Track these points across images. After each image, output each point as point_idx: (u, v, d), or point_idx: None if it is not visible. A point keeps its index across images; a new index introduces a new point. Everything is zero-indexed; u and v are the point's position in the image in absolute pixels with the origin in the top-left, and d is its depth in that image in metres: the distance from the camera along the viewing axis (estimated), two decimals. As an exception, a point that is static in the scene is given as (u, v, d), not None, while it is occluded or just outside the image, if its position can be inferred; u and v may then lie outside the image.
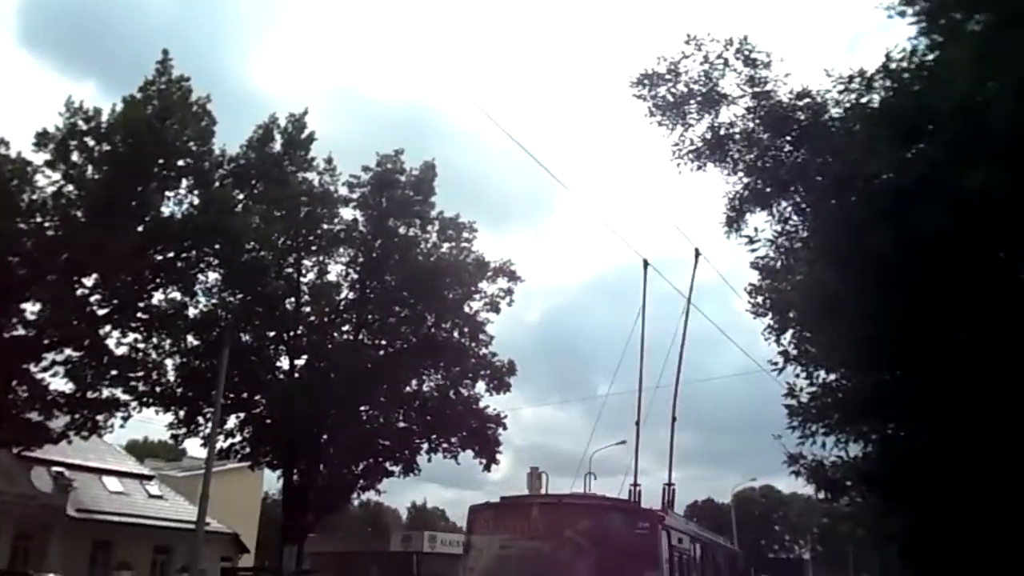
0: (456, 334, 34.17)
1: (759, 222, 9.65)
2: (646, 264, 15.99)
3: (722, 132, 9.26)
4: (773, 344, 13.46)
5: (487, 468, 34.80)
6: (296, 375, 32.16)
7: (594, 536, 12.01)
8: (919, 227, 6.18)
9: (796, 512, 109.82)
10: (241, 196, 28.40)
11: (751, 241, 9.17)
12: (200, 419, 31.16)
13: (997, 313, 6.31)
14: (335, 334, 33.73)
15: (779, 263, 12.81)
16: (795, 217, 8.59)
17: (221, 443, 32.31)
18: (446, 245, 33.98)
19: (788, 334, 13.42)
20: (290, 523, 33.07)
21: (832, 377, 9.34)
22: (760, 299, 14.23)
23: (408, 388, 34.32)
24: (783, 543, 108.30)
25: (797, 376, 11.73)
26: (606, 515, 12.75)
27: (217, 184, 27.65)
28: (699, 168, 9.14)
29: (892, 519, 8.12)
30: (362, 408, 33.06)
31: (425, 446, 35.32)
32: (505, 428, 35.04)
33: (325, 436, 34.02)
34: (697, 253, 16.99)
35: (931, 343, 6.24)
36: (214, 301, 31.04)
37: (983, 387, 6.12)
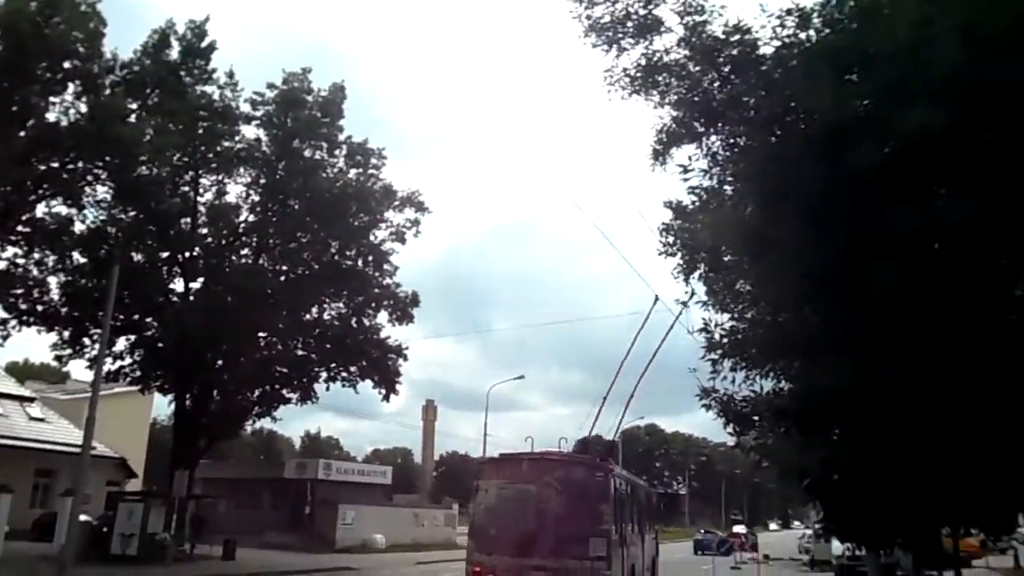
0: (360, 262, 33.62)
1: (684, 158, 9.70)
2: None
3: (655, 61, 9.18)
4: (681, 283, 13.76)
5: (386, 398, 34.91)
6: (191, 298, 30.95)
7: (566, 481, 16.53)
8: (853, 166, 6.31)
9: (677, 451, 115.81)
10: (134, 106, 26.75)
11: (685, 170, 9.23)
12: (87, 340, 29.76)
13: (925, 256, 6.59)
14: (233, 257, 32.58)
15: (693, 203, 13.03)
16: (723, 152, 8.68)
17: (109, 366, 31.04)
18: (353, 171, 33.10)
19: (697, 273, 13.75)
20: (181, 448, 32.27)
21: (749, 315, 9.60)
22: (671, 238, 14.48)
23: (309, 315, 33.69)
24: (663, 478, 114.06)
25: (706, 310, 12.06)
26: (574, 467, 17.35)
27: (108, 91, 25.89)
28: (631, 95, 9.05)
29: (802, 454, 8.54)
30: (260, 334, 32.27)
31: (324, 374, 35.07)
32: (406, 359, 35.03)
33: (220, 361, 33.14)
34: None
35: (857, 283, 6.45)
36: (103, 217, 29.45)
37: (906, 328, 6.40)
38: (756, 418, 11.59)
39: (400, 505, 55.63)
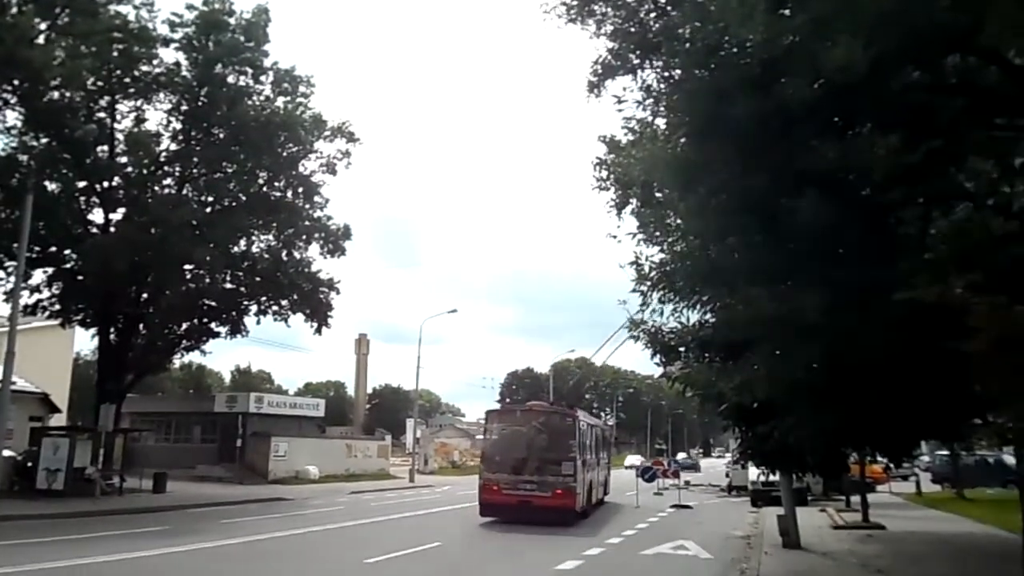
0: (290, 194, 32.93)
1: (619, 90, 9.71)
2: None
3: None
4: (614, 217, 13.92)
5: (318, 332, 34.69)
6: (112, 229, 29.82)
7: (546, 424, 23.60)
8: (783, 101, 6.45)
9: (606, 383, 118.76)
10: (43, 26, 25.15)
11: (619, 101, 9.25)
12: (1, 273, 28.49)
13: (846, 192, 6.82)
14: (155, 188, 31.45)
15: (626, 137, 13.10)
16: (658, 85, 8.72)
17: (26, 299, 29.94)
18: (280, 99, 32.06)
19: (629, 208, 13.93)
20: (107, 382, 31.58)
21: (678, 248, 9.81)
22: (604, 173, 14.57)
23: (237, 248, 32.89)
24: (592, 410, 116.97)
25: (638, 245, 12.28)
26: (551, 414, 24.80)
27: (14, 11, 24.21)
28: (567, 23, 8.94)
29: (722, 381, 8.90)
30: (186, 267, 31.39)
31: (254, 308, 34.59)
32: (338, 292, 34.81)
33: (145, 295, 32.32)
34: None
35: (779, 216, 6.66)
36: (14, 144, 27.85)
37: (823, 262, 6.65)
38: (682, 349, 12.02)
39: (333, 437, 55.88)
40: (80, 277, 30.13)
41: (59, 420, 36.78)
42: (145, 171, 30.78)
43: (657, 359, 12.34)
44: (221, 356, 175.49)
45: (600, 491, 28.92)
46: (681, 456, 73.12)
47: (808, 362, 6.77)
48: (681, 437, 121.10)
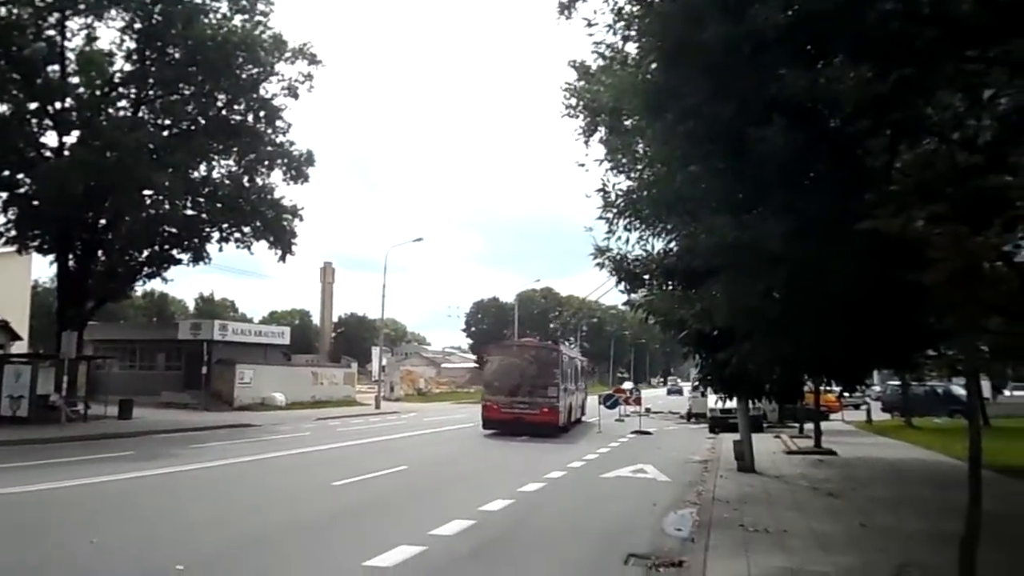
0: (251, 118, 32.08)
1: (589, 12, 9.51)
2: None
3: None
4: (582, 145, 13.82)
5: (282, 259, 34.34)
6: (66, 153, 28.87)
7: (535, 356, 29.34)
8: (755, 26, 6.34)
9: (570, 312, 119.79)
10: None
11: (590, 24, 9.05)
12: (-47, 198, 27.61)
13: (813, 121, 6.79)
14: (110, 110, 30.34)
15: (597, 63, 12.89)
16: (629, 7, 8.54)
17: (-20, 225, 29.18)
18: (238, 18, 30.81)
19: (597, 136, 13.82)
20: (67, 309, 31.09)
21: (645, 175, 9.76)
22: (574, 100, 14.38)
23: (197, 173, 32.17)
24: (556, 339, 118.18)
25: (605, 174, 12.24)
26: (540, 348, 31.46)
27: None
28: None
29: (683, 308, 8.99)
30: (146, 192, 30.63)
31: (216, 235, 34.05)
32: (302, 220, 34.37)
33: (104, 221, 31.61)
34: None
35: (745, 143, 6.62)
36: (-41, 63, 26.59)
37: (786, 189, 6.66)
38: (646, 277, 12.10)
39: (299, 365, 55.98)
40: (35, 202, 29.29)
41: (21, 348, 36.26)
42: (98, 92, 29.74)
43: (622, 287, 12.44)
44: (184, 284, 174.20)
45: (578, 412, 35.50)
46: (626, 385, 74.49)
47: (769, 290, 6.85)
48: (643, 367, 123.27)
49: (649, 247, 11.69)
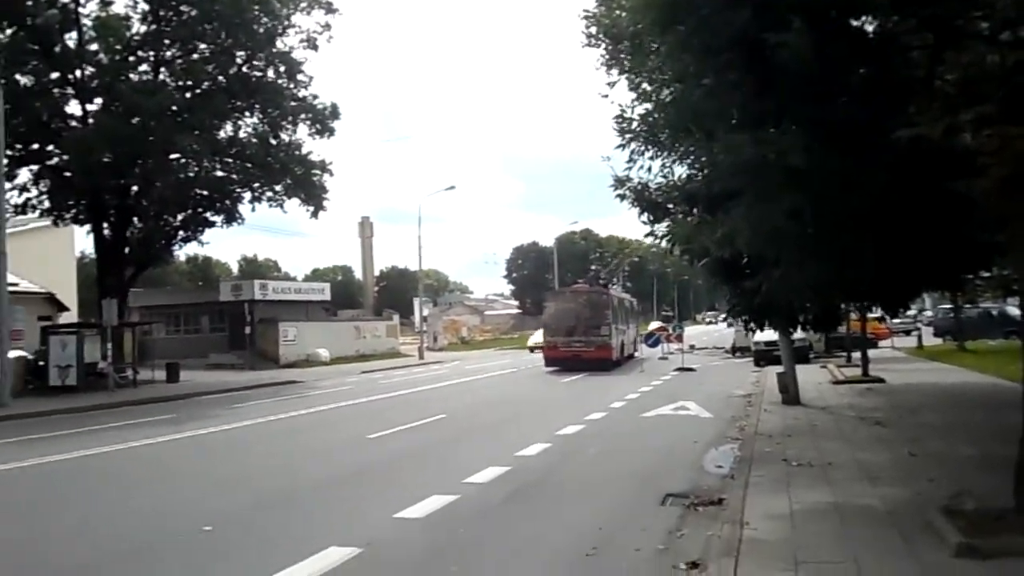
0: (271, 73, 31.66)
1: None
2: None
3: None
4: (603, 74, 13.16)
5: (315, 215, 34.20)
6: (91, 121, 28.89)
7: (589, 299, 33.12)
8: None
9: (611, 252, 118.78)
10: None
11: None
12: (-15, 173, 27.81)
13: (836, 26, 6.17)
14: (131, 75, 30.10)
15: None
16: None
17: (15, 199, 29.45)
18: (249, -32, 30.10)
19: (617, 69, 13.14)
20: (107, 277, 31.50)
21: (665, 94, 9.15)
22: (594, 28, 13.70)
23: (223, 133, 32.00)
24: (599, 280, 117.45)
25: (630, 101, 11.59)
26: (591, 292, 34.61)
27: None
28: None
29: (704, 234, 8.47)
30: (173, 156, 30.57)
31: (247, 195, 34.03)
32: (332, 174, 34.05)
33: (135, 187, 31.68)
34: None
35: (761, 52, 6.06)
36: (-23, 39, 26.58)
37: (807, 100, 6.09)
38: (669, 206, 11.54)
39: (342, 320, 56.49)
40: (66, 173, 29.48)
41: (69, 319, 37.03)
42: (117, 57, 29.57)
43: (644, 217, 11.89)
44: (227, 247, 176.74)
45: (630, 348, 38.68)
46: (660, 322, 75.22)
47: (794, 209, 6.33)
48: (687, 304, 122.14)
49: (670, 174, 11.13)
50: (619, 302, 37.84)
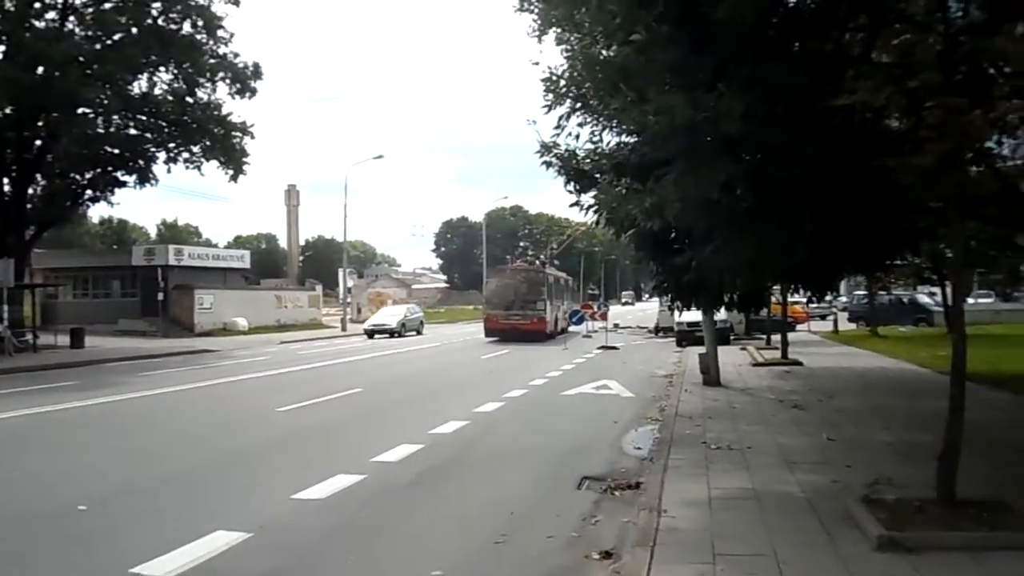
0: (188, 27, 30.04)
1: None
2: None
3: None
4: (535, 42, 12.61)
5: (234, 179, 32.97)
6: (-9, 70, 26.82)
7: (527, 277, 37.22)
8: None
9: (540, 230, 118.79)
10: None
11: None
12: None
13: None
14: (35, 22, 27.99)
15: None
16: None
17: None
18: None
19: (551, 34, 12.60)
20: (6, 236, 29.57)
21: (595, 51, 8.61)
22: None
23: (136, 89, 30.29)
24: (526, 256, 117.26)
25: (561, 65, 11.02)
26: (529, 271, 39.41)
27: None
28: None
29: (632, 204, 8.05)
30: (81, 110, 28.76)
31: (162, 155, 32.46)
32: (253, 137, 32.77)
33: (39, 142, 29.76)
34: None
35: (702, 6, 5.66)
36: None
37: (756, 62, 5.72)
38: (597, 175, 11.09)
39: (262, 289, 54.85)
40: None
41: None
42: (21, 3, 27.43)
43: (571, 187, 11.39)
44: (146, 210, 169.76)
45: (564, 322, 39.34)
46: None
47: (728, 180, 5.98)
48: (614, 283, 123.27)
49: (599, 141, 10.65)
50: (555, 280, 40.88)
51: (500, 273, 39.66)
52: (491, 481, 8.67)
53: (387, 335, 41.23)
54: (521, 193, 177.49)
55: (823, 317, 41.91)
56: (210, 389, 18.03)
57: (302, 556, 6.03)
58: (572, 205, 10.71)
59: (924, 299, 41.23)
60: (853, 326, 38.63)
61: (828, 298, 45.64)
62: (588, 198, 10.20)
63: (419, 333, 44.26)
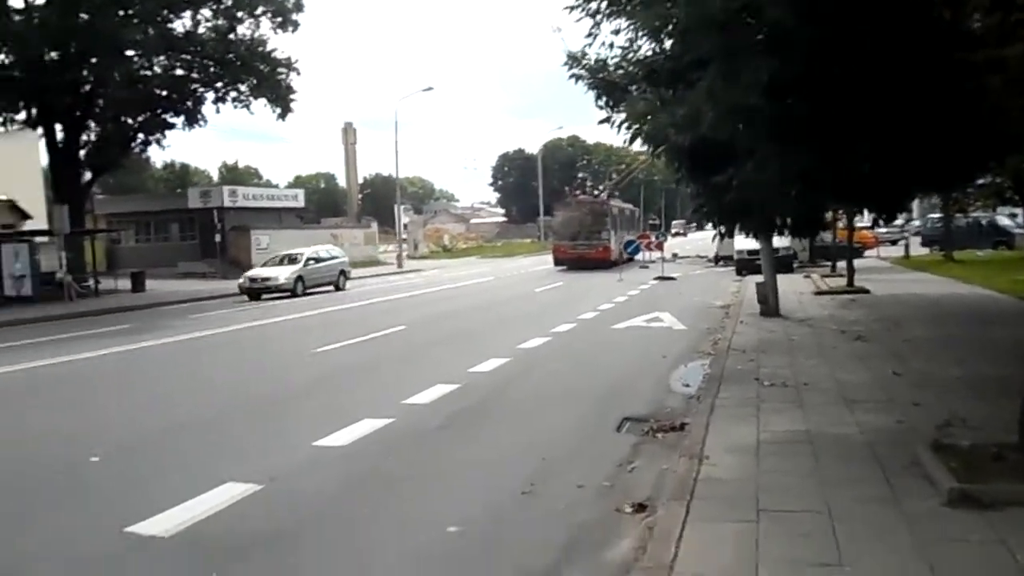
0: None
1: None
2: None
3: None
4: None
5: (282, 117, 32.59)
6: (34, 16, 26.65)
7: (592, 209, 39.37)
8: None
9: (599, 160, 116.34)
10: None
11: None
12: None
13: None
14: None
15: None
16: None
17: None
18: None
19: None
20: (62, 183, 29.98)
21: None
22: None
23: (179, 28, 29.90)
24: (585, 188, 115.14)
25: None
26: (594, 203, 41.25)
27: None
28: None
29: (664, 114, 7.23)
30: (128, 53, 28.56)
31: (211, 95, 32.26)
32: (298, 73, 32.28)
33: (87, 87, 29.74)
34: None
35: None
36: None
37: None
38: (631, 88, 10.10)
39: (320, 228, 55.06)
40: (13, 74, 27.46)
41: (34, 225, 35.54)
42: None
43: (601, 102, 10.43)
44: (209, 154, 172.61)
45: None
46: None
47: (772, 81, 5.12)
48: (674, 212, 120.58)
49: (633, 48, 9.59)
50: (619, 211, 43.96)
51: (566, 206, 41.99)
52: (525, 424, 8.17)
53: (275, 294, 28.03)
54: (578, 124, 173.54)
55: (894, 242, 40.07)
56: (255, 330, 17.98)
57: (310, 511, 5.63)
58: (602, 122, 9.69)
59: (1005, 221, 38.86)
60: (926, 251, 36.68)
61: (899, 221, 43.59)
62: (620, 116, 9.26)
63: (338, 288, 30.80)
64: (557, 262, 38.38)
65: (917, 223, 46.60)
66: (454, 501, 5.79)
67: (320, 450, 7.12)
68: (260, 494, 5.90)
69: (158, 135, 33.05)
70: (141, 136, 33.23)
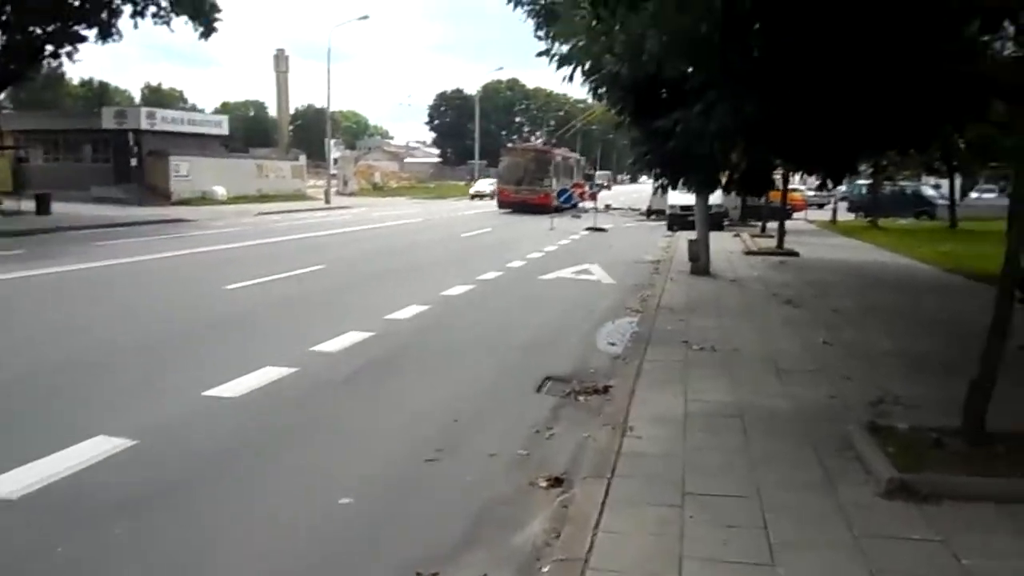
0: None
1: None
2: None
3: None
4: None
5: (205, 36, 30.37)
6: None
7: (535, 157, 41.43)
8: None
9: (537, 106, 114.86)
10: None
11: None
12: None
13: None
14: None
15: None
16: None
17: None
18: None
19: None
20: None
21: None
22: None
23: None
24: (522, 133, 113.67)
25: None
26: (539, 151, 43.55)
27: None
28: None
29: (606, 44, 6.58)
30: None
31: (128, 9, 29.90)
32: (222, -9, 30.06)
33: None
34: None
35: None
36: None
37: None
38: (573, 14, 9.34)
39: (245, 157, 52.83)
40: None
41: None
42: None
43: (542, 32, 9.66)
44: (132, 74, 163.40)
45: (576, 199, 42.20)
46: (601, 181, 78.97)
47: (726, 7, 4.54)
48: (611, 163, 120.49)
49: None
50: (563, 159, 45.77)
51: (512, 151, 44.08)
52: (440, 379, 7.61)
53: None
54: (519, 68, 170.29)
55: (821, 206, 40.56)
56: (163, 262, 16.81)
57: (180, 475, 4.97)
58: (540, 54, 8.82)
59: (928, 191, 39.77)
60: (852, 216, 37.28)
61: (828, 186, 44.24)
62: (561, 48, 8.48)
63: None
64: (501, 205, 40.16)
65: (844, 188, 47.37)
66: (350, 468, 5.21)
67: (209, 400, 6.42)
68: (131, 450, 5.21)
69: (69, 48, 30.61)
70: (50, 47, 30.73)
